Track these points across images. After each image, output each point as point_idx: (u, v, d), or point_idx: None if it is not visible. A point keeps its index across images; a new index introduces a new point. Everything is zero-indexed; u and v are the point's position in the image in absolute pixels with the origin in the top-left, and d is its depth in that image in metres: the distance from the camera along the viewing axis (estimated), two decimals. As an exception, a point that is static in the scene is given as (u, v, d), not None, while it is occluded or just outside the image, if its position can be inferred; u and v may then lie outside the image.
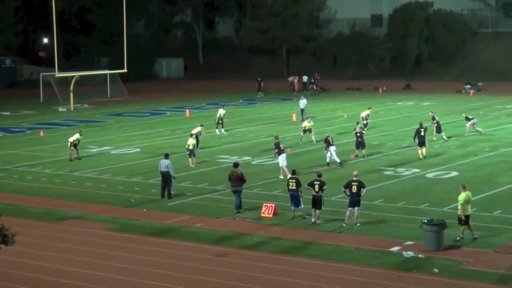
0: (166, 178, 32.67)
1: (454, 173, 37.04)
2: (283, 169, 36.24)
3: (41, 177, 38.41)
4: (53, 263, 24.13)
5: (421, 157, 40.62)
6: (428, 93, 79.55)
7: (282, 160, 36.54)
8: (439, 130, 47.00)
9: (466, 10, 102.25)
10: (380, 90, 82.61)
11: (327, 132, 40.97)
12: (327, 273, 22.79)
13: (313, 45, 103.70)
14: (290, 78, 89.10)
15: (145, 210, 31.00)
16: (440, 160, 40.78)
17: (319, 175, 28.63)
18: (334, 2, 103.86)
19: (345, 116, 60.47)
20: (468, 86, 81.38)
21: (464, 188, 26.07)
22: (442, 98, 74.88)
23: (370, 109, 54.03)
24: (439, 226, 24.54)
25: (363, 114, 52.39)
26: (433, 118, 47.78)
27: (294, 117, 58.59)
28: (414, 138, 42.00)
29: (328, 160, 39.12)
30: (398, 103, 70.96)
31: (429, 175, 36.52)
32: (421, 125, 41.91)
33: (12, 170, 40.42)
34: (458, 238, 25.55)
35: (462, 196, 25.73)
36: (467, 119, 50.13)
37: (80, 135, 43.10)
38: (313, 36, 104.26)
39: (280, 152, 36.82)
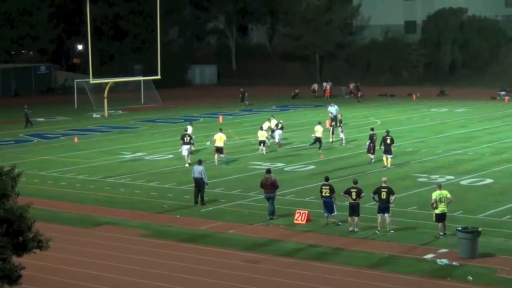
0: (199, 184, 32.67)
1: (488, 180, 36.73)
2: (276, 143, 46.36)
3: (75, 183, 38.63)
4: (86, 269, 24.23)
5: (385, 164, 40.23)
6: (462, 99, 79.04)
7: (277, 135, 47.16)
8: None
9: (500, 16, 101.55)
10: (414, 96, 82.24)
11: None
12: (359, 280, 22.68)
13: (346, 51, 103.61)
14: (314, 85, 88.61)
15: (178, 216, 31.06)
16: (474, 167, 40.47)
17: (355, 182, 28.43)
18: (367, 9, 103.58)
19: (379, 122, 60.18)
20: (503, 93, 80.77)
21: (440, 188, 27.26)
22: (476, 104, 74.36)
23: (272, 118, 50.83)
24: (474, 233, 24.35)
25: (266, 126, 48.90)
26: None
27: (327, 124, 58.39)
28: (380, 145, 41.24)
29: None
30: (432, 110, 70.56)
31: (464, 182, 36.24)
32: (387, 132, 41.30)
33: (46, 176, 40.68)
34: (437, 236, 26.81)
35: (434, 194, 26.89)
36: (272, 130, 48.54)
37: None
38: (347, 43, 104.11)
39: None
